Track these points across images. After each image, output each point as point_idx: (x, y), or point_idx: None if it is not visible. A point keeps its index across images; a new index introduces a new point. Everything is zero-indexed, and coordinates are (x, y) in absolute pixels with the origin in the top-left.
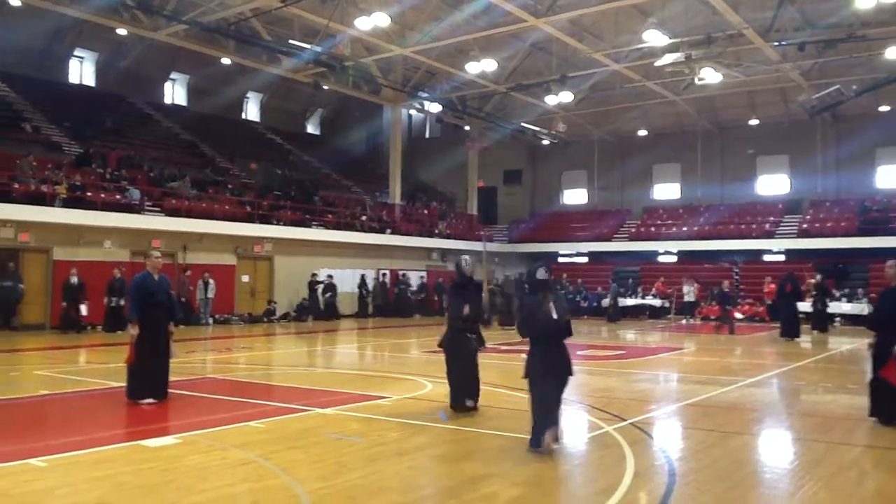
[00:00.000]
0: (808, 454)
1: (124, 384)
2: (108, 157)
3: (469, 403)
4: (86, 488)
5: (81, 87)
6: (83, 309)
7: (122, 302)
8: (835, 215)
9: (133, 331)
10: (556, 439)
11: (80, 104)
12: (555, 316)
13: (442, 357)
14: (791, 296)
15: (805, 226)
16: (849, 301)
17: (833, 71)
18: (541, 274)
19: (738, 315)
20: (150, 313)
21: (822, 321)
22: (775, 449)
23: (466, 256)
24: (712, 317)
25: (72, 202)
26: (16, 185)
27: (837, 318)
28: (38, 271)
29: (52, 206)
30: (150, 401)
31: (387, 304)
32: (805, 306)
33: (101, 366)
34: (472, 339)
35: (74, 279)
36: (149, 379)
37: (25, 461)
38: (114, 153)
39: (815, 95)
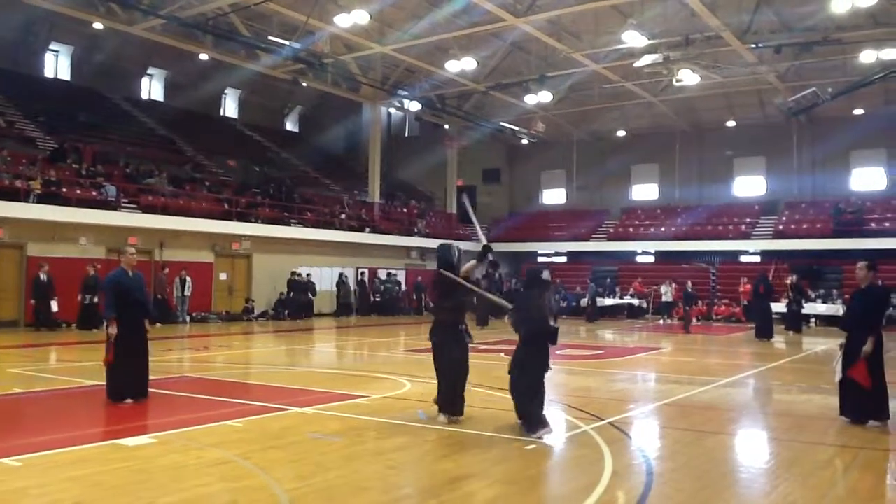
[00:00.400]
0: (783, 454)
1: (100, 383)
2: (83, 153)
3: (441, 419)
4: (61, 488)
5: (57, 81)
6: (53, 306)
7: (96, 299)
8: (810, 217)
9: (112, 330)
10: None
11: (56, 98)
12: (552, 322)
13: (422, 357)
14: (764, 296)
15: (781, 227)
16: (824, 302)
17: (809, 74)
18: (545, 275)
19: (694, 319)
20: (126, 311)
21: (796, 322)
22: (751, 448)
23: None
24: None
25: (46, 198)
26: None
27: (812, 319)
28: (12, 268)
29: (27, 201)
30: (129, 401)
31: (364, 304)
32: (780, 307)
33: (76, 364)
34: (465, 335)
35: (44, 276)
36: (129, 379)
37: None
38: (89, 148)
39: (791, 98)
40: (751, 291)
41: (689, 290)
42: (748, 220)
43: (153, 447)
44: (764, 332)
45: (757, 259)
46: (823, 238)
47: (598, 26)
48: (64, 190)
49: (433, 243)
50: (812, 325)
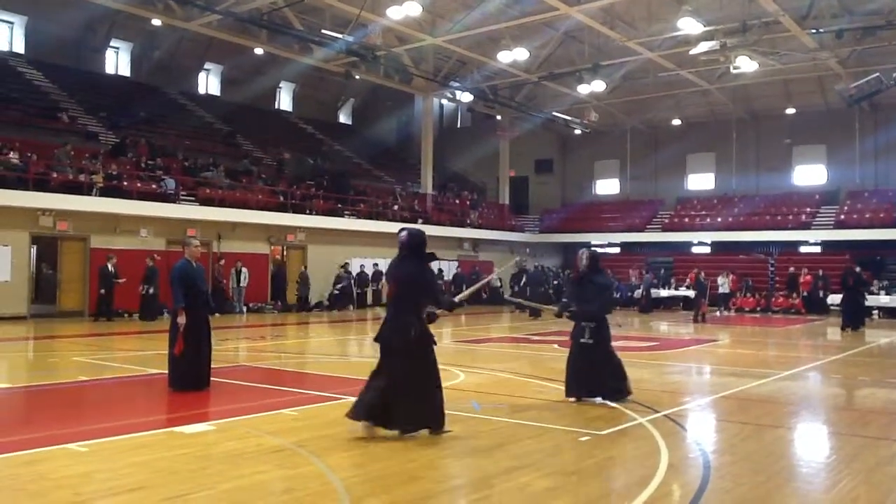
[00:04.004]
0: (845, 448)
1: (162, 371)
2: (142, 147)
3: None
4: (125, 472)
5: (117, 77)
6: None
7: (151, 290)
8: (872, 206)
9: (181, 319)
10: None
11: (116, 94)
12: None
13: (475, 347)
14: (853, 288)
15: (842, 217)
16: (887, 293)
17: (872, 59)
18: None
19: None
20: (192, 302)
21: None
22: (811, 443)
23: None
24: (746, 308)
25: (108, 191)
26: (54, 175)
27: (875, 311)
28: (77, 259)
29: (90, 195)
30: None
31: None
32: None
33: (138, 353)
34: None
35: (111, 267)
36: (193, 369)
37: (66, 446)
38: (149, 143)
39: (853, 84)
40: (840, 284)
41: (702, 279)
42: (808, 209)
43: (212, 434)
44: (853, 323)
45: (817, 250)
46: (886, 228)
47: (652, 13)
48: (125, 183)
49: (486, 234)
50: (875, 317)
